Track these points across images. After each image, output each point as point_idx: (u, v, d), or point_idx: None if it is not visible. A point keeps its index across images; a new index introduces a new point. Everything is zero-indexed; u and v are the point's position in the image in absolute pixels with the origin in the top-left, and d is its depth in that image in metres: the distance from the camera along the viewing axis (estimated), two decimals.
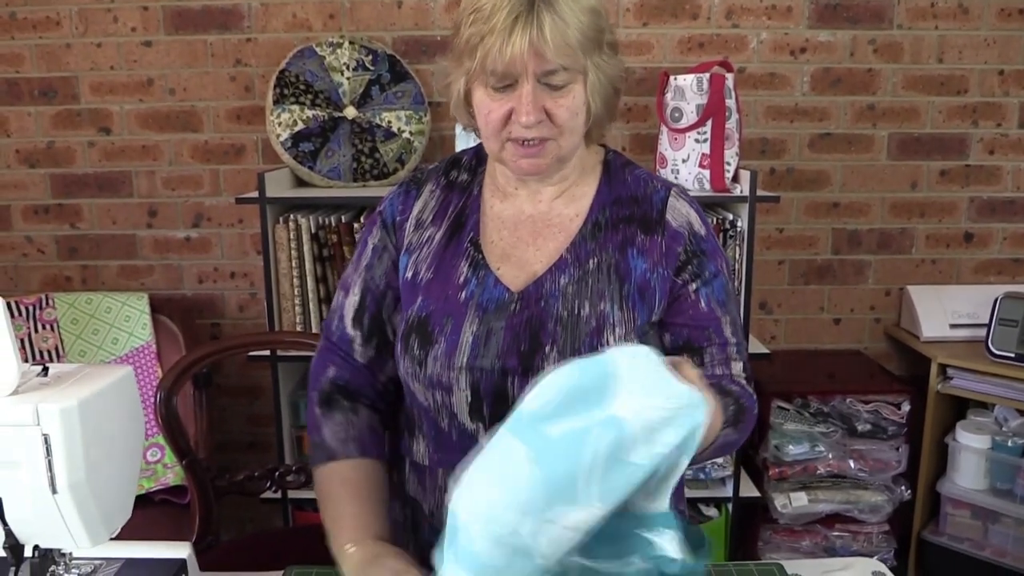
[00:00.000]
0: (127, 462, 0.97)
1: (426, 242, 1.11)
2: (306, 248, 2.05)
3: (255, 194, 2.02)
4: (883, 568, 1.10)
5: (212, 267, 2.50)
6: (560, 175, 1.10)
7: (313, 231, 2.06)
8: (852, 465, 2.23)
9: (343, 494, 1.05)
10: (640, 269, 1.06)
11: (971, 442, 2.23)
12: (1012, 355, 2.14)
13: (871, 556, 2.31)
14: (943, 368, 2.26)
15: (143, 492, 2.05)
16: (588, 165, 1.13)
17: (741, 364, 1.10)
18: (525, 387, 1.01)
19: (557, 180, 1.10)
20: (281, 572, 1.10)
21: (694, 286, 1.08)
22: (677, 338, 1.09)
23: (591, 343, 1.02)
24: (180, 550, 1.02)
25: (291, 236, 2.04)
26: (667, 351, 1.09)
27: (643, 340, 1.04)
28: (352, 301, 1.15)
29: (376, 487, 1.08)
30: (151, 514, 2.03)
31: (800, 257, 2.51)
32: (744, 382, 1.09)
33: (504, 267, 1.07)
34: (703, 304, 1.08)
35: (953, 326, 2.36)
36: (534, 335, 1.02)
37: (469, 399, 1.03)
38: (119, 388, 0.93)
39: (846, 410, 2.24)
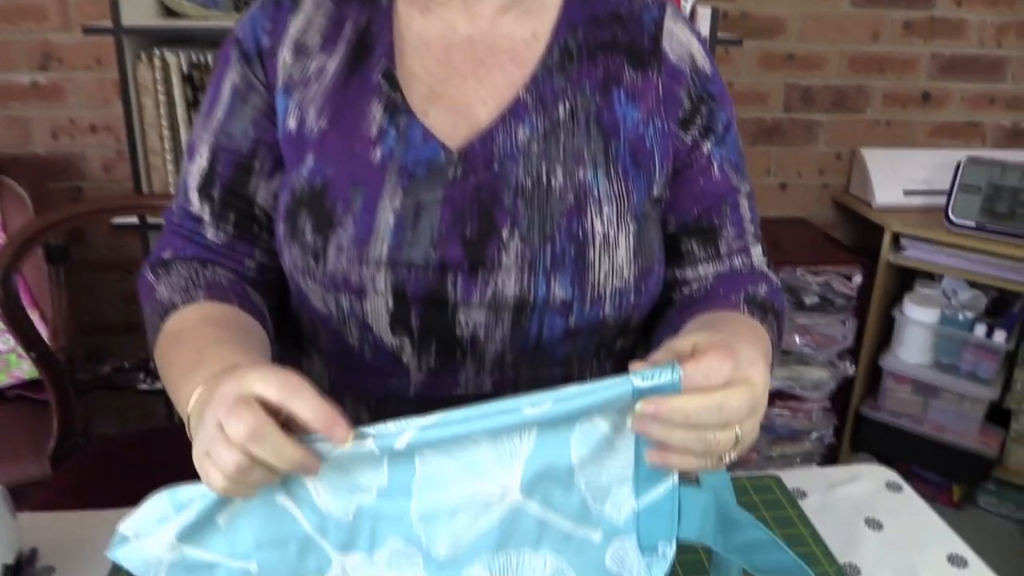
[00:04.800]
0: None
1: (314, 76, 0.78)
2: (177, 92, 1.68)
3: (109, 23, 1.61)
4: (897, 478, 0.91)
5: (67, 119, 2.08)
6: None
7: (185, 71, 1.68)
8: (797, 340, 2.10)
9: (192, 335, 0.70)
10: (631, 121, 0.77)
11: (919, 316, 2.12)
12: (973, 224, 1.99)
13: (810, 433, 2.23)
14: (896, 238, 2.11)
15: None
16: None
17: (760, 247, 0.85)
18: (472, 290, 0.73)
19: None
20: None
21: (707, 146, 0.81)
22: (684, 218, 0.82)
23: (569, 226, 0.73)
24: None
25: (157, 77, 1.66)
26: (671, 238, 0.83)
27: (641, 226, 0.77)
28: (198, 167, 0.81)
29: (248, 330, 0.73)
30: (6, 412, 1.72)
31: (749, 115, 2.27)
32: (767, 270, 0.85)
33: (434, 112, 0.76)
34: (716, 170, 0.81)
35: (908, 193, 2.20)
36: (485, 213, 0.73)
37: (390, 306, 0.74)
38: None
39: (794, 282, 2.08)
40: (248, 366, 0.54)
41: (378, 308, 0.75)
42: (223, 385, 0.54)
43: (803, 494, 0.88)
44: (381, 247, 0.73)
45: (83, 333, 2.08)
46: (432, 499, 0.56)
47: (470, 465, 0.55)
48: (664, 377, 0.52)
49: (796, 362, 2.12)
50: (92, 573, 0.74)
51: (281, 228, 0.77)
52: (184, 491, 0.56)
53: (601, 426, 0.56)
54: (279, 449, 0.51)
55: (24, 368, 1.78)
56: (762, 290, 0.80)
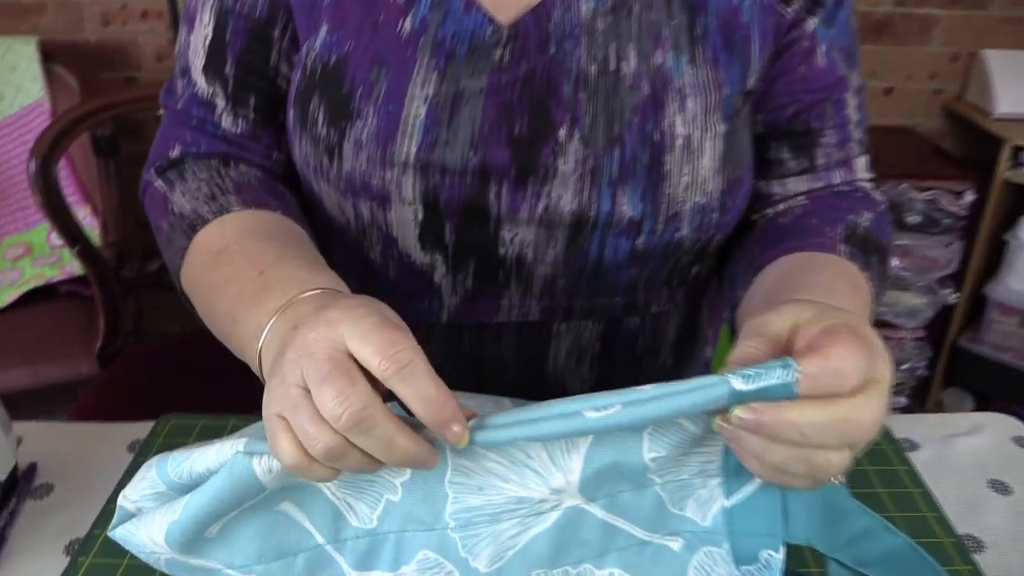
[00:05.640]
0: None
1: None
2: None
3: None
4: None
5: (119, 4, 1.97)
6: None
7: None
8: (896, 263, 1.90)
9: (240, 253, 0.56)
10: None
11: None
12: None
13: (901, 364, 2.06)
14: (1016, 152, 1.87)
15: (45, 283, 1.69)
16: None
17: (865, 159, 0.69)
18: (520, 203, 0.59)
19: None
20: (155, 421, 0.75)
21: (811, 24, 0.64)
22: (776, 116, 0.67)
23: (643, 126, 0.59)
24: None
25: None
26: (757, 139, 0.68)
27: (732, 127, 0.62)
28: (201, 36, 0.66)
29: (303, 244, 0.59)
30: (56, 309, 1.68)
31: (857, 8, 2.02)
32: (870, 189, 0.69)
33: None
34: (821, 56, 0.65)
35: None
36: (538, 108, 0.59)
37: (419, 216, 0.61)
38: None
39: (897, 199, 1.87)
40: (340, 308, 0.42)
41: (405, 219, 0.62)
42: (308, 328, 0.41)
43: (913, 445, 0.74)
44: (408, 146, 0.59)
45: (141, 230, 2.04)
46: (469, 500, 0.44)
47: (516, 460, 0.43)
48: (774, 377, 0.37)
49: (892, 286, 1.94)
50: (93, 494, 0.66)
51: (291, 115, 0.64)
52: (172, 466, 0.45)
53: (685, 426, 0.42)
54: (390, 442, 0.39)
55: (75, 265, 1.74)
56: (864, 219, 0.65)
